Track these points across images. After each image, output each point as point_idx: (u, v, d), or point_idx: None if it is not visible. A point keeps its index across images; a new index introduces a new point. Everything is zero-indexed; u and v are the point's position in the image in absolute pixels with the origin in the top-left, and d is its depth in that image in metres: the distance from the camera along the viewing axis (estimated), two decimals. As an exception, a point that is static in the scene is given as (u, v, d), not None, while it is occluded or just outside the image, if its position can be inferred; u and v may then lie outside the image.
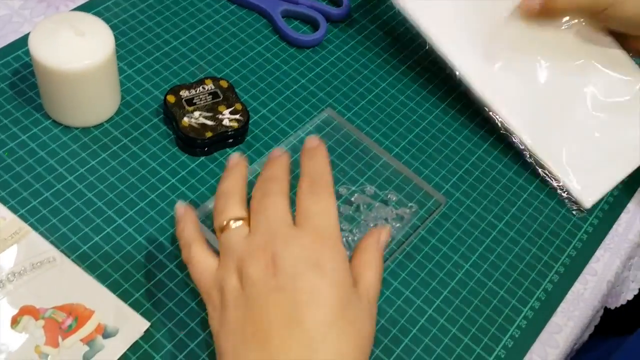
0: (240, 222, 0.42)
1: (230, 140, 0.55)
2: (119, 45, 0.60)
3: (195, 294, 0.48)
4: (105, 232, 0.49)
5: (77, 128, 0.54)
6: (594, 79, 0.58)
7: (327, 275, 0.38)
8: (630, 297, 0.58)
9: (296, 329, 0.37)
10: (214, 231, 0.50)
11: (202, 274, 0.42)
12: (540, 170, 0.57)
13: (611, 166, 0.58)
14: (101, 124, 0.55)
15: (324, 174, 0.42)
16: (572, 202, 0.57)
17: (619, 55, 0.58)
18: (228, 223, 0.42)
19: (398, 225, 0.53)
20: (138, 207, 0.51)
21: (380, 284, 0.42)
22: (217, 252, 0.43)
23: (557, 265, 0.54)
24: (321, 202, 0.41)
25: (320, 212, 0.40)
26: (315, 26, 0.65)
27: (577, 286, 0.54)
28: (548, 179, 0.57)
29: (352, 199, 0.54)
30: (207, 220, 0.51)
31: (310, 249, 0.39)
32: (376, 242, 0.43)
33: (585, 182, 0.57)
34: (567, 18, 0.56)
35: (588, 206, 0.57)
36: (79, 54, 0.49)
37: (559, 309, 0.52)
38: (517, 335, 0.50)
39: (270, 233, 0.40)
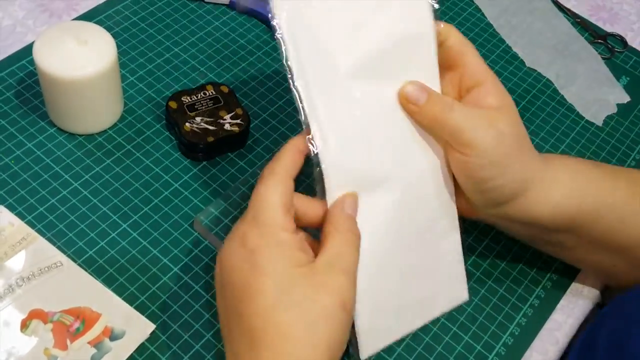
0: None
1: (232, 145, 0.56)
2: (121, 52, 0.61)
3: (199, 296, 0.49)
4: (111, 236, 0.50)
5: (81, 135, 0.55)
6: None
7: (258, 264, 0.38)
8: (628, 293, 0.59)
9: (240, 321, 0.38)
10: (217, 234, 0.52)
11: None
12: None
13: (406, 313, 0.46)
14: (105, 131, 0.56)
15: (274, 160, 0.41)
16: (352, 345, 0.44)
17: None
18: None
19: None
20: (142, 211, 0.52)
21: (347, 252, 0.40)
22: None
23: (556, 263, 0.55)
24: (259, 188, 0.40)
25: (255, 199, 0.40)
26: (314, 30, 0.66)
27: (576, 284, 0.55)
28: None
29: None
30: (211, 224, 0.52)
31: (243, 239, 0.39)
32: (339, 209, 0.41)
33: (375, 325, 0.44)
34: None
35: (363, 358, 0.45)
36: (82, 62, 0.50)
37: (559, 305, 0.53)
38: (517, 333, 0.51)
39: None
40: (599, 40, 0.72)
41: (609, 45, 0.72)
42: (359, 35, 0.43)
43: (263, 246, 0.38)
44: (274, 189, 0.40)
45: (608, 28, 0.74)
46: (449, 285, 0.48)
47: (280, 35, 0.40)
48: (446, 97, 0.45)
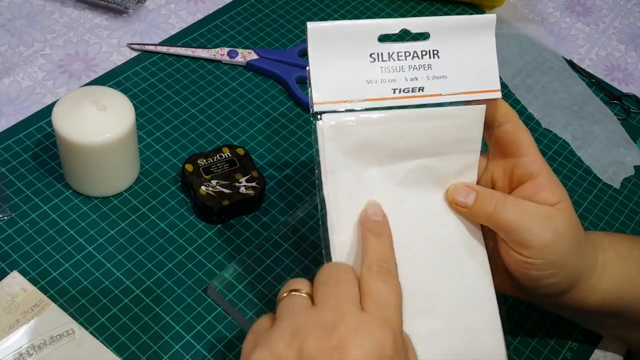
0: (303, 293, 0.38)
1: (247, 208, 0.56)
2: (138, 113, 0.61)
3: (212, 366, 0.48)
4: (123, 302, 0.50)
5: (97, 198, 0.55)
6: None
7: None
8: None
9: None
10: (230, 301, 0.51)
11: (250, 331, 0.38)
12: None
13: None
14: (120, 193, 0.56)
15: (392, 258, 0.39)
16: None
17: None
18: (289, 294, 0.38)
19: None
20: (156, 276, 0.52)
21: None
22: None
23: (576, 331, 0.54)
24: (392, 292, 0.37)
25: (391, 303, 0.37)
26: (329, 91, 0.66)
27: (598, 352, 0.53)
28: None
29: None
30: (225, 290, 0.51)
31: (381, 342, 0.35)
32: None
33: None
34: None
35: None
36: (100, 128, 0.50)
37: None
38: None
39: (339, 312, 0.35)
40: (615, 101, 0.72)
41: (625, 106, 0.72)
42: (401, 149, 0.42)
43: (397, 352, 0.35)
44: (401, 291, 0.37)
45: (623, 88, 0.74)
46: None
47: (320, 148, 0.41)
48: (497, 193, 0.43)
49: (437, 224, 0.44)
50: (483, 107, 0.43)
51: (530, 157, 0.43)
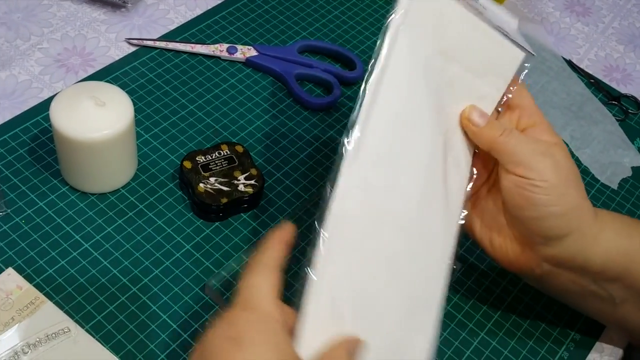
0: None
1: (245, 206, 0.56)
2: (136, 109, 0.60)
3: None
4: (120, 300, 0.49)
5: (94, 194, 0.55)
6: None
7: (245, 350, 0.36)
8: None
9: None
10: (228, 300, 0.51)
11: None
12: None
13: None
14: (118, 190, 0.55)
15: (266, 249, 0.41)
16: None
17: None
18: None
19: None
20: (153, 274, 0.51)
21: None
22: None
23: (579, 323, 0.54)
24: (249, 278, 0.40)
25: (248, 286, 0.39)
26: (328, 89, 0.66)
27: (600, 344, 0.54)
28: None
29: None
30: (222, 289, 0.51)
31: (231, 324, 0.37)
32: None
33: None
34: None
35: None
36: (99, 124, 0.50)
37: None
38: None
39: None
40: (613, 102, 0.72)
41: (623, 107, 0.72)
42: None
43: (254, 332, 0.37)
44: (266, 279, 0.40)
45: (621, 89, 0.74)
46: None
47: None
48: (506, 124, 0.48)
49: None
50: (522, 54, 0.48)
51: (532, 108, 0.49)
